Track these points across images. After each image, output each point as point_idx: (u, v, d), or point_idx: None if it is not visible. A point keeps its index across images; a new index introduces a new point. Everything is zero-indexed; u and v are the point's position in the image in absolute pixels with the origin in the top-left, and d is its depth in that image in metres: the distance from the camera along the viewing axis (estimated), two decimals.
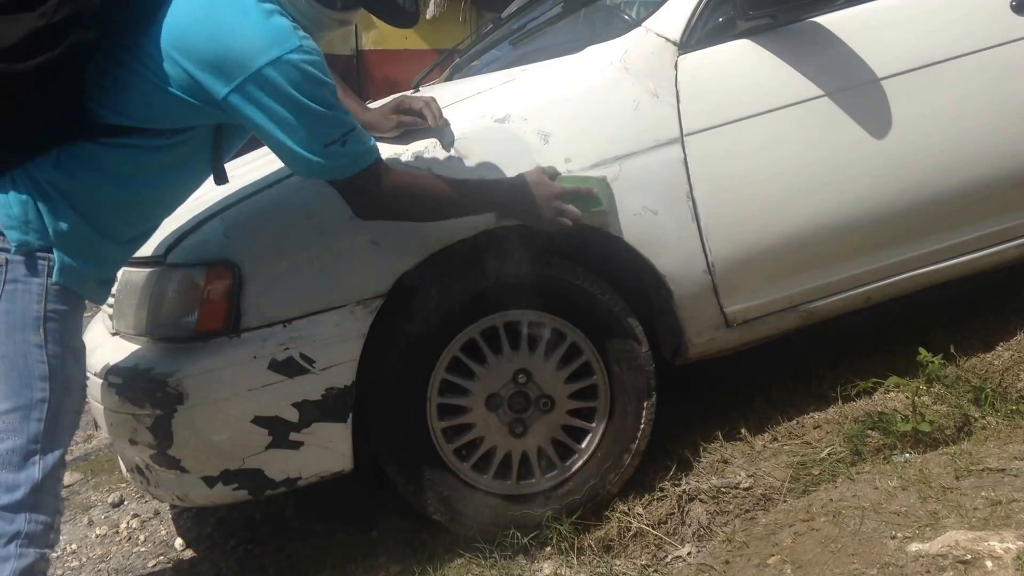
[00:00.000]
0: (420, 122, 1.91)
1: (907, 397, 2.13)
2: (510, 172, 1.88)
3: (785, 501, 1.95)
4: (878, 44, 2.07)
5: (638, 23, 2.05)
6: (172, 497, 1.93)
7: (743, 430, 2.22)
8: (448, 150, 1.88)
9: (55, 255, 1.52)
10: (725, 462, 2.11)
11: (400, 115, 1.93)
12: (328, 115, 1.54)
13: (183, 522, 2.50)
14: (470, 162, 1.88)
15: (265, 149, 2.41)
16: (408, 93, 2.60)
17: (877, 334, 2.52)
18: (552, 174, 1.84)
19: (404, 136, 1.92)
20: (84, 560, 2.41)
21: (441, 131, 1.89)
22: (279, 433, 1.82)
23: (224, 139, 1.67)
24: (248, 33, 1.48)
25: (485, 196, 1.81)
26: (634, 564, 1.87)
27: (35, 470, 1.51)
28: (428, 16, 8.63)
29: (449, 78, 2.97)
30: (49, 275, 1.52)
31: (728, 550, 1.81)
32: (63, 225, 1.52)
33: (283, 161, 1.62)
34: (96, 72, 1.50)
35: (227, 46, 1.47)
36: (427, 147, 1.89)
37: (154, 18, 1.50)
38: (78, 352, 1.61)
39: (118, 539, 2.49)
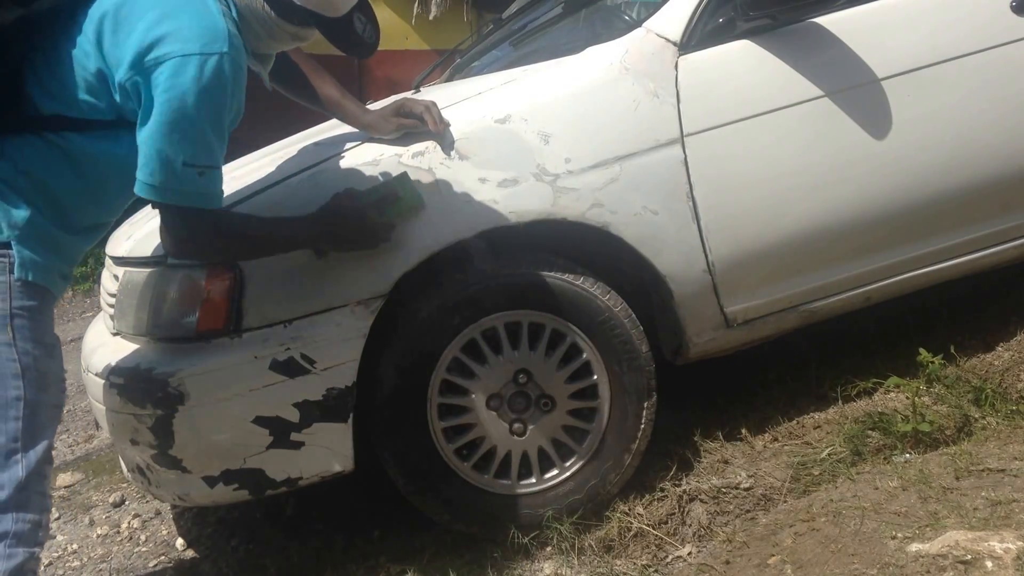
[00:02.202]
0: (420, 126, 1.90)
1: (907, 397, 2.13)
2: (510, 173, 1.88)
3: (785, 501, 1.95)
4: (878, 45, 2.07)
5: (638, 24, 2.05)
6: (173, 497, 1.93)
7: (743, 430, 2.22)
8: (448, 152, 1.88)
9: (14, 250, 1.50)
10: (725, 462, 2.12)
11: (401, 118, 1.92)
12: (207, 136, 1.49)
13: (184, 522, 2.50)
14: (469, 163, 1.88)
15: (265, 150, 2.42)
16: (409, 94, 2.60)
17: (877, 334, 2.52)
18: (350, 196, 1.79)
19: (404, 137, 1.92)
20: (85, 560, 2.41)
21: (441, 134, 1.89)
22: (280, 433, 1.82)
23: None
24: (181, 20, 1.45)
25: (290, 234, 1.75)
26: (634, 564, 1.87)
27: (18, 469, 1.51)
28: (430, 17, 8.63)
29: (450, 79, 2.97)
30: (11, 272, 1.50)
31: (728, 550, 1.81)
32: (18, 218, 1.50)
33: (139, 164, 1.51)
34: (37, 58, 1.49)
35: (156, 27, 1.44)
36: (427, 148, 1.89)
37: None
38: (51, 347, 1.59)
39: (119, 539, 2.49)
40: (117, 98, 1.50)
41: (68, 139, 1.53)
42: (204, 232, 1.60)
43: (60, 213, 1.57)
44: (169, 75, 1.44)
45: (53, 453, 1.63)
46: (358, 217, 1.76)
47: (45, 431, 1.57)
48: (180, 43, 1.44)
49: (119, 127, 1.54)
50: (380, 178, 1.86)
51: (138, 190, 1.53)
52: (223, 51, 1.46)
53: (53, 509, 2.72)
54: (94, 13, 1.49)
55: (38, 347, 1.54)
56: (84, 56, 1.49)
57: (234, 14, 1.55)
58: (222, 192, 1.58)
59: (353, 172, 1.87)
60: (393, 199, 1.80)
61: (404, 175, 1.83)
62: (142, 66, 1.44)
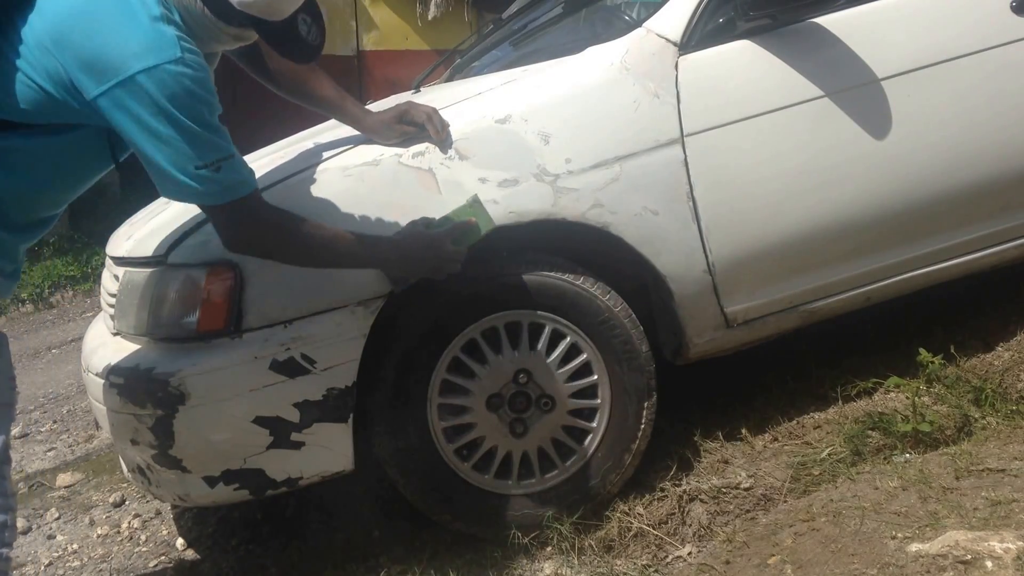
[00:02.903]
0: (422, 134, 1.90)
1: (907, 397, 2.13)
2: (510, 174, 1.88)
3: (785, 501, 1.95)
4: (878, 45, 2.07)
5: (639, 24, 2.05)
6: (173, 497, 1.93)
7: (743, 430, 2.22)
8: (448, 152, 1.88)
9: None
10: (725, 462, 2.12)
11: (403, 125, 1.91)
12: (201, 135, 1.47)
13: (184, 522, 2.51)
14: (469, 163, 1.88)
15: (265, 149, 2.42)
16: (409, 94, 2.61)
17: (877, 334, 2.52)
18: (427, 224, 1.79)
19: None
20: (85, 560, 2.41)
21: (443, 142, 1.89)
22: (280, 433, 1.82)
23: (119, 138, 1.55)
24: (127, 36, 1.42)
25: (362, 251, 1.74)
26: (635, 564, 1.87)
27: None
28: (429, 17, 8.64)
29: (450, 79, 2.97)
30: None
31: (728, 550, 1.81)
32: None
33: (152, 179, 1.53)
34: None
35: (103, 46, 1.41)
36: (427, 148, 1.89)
37: (33, 4, 1.45)
38: None
39: (119, 539, 2.49)
40: (81, 110, 1.46)
41: (3, 137, 1.49)
42: (249, 221, 1.59)
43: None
44: (133, 97, 1.42)
45: (12, 453, 1.59)
46: (434, 246, 1.75)
47: None
48: (132, 60, 1.41)
49: (59, 124, 1.51)
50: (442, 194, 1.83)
51: (171, 198, 1.56)
52: (175, 57, 1.43)
53: (53, 509, 2.72)
54: (39, 25, 1.44)
55: None
56: (35, 63, 1.45)
57: (176, 17, 1.50)
58: (251, 175, 1.58)
59: (354, 175, 1.87)
60: (469, 227, 1.79)
61: (476, 200, 1.81)
62: (101, 89, 1.42)
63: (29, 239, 1.66)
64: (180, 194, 1.53)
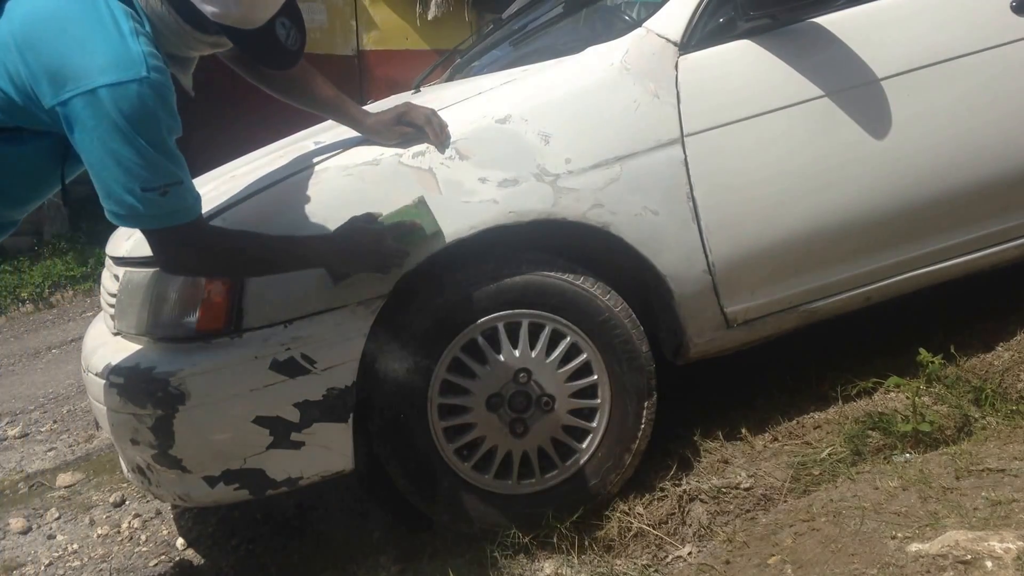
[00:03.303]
0: (422, 135, 1.89)
1: (907, 397, 2.13)
2: (510, 174, 1.88)
3: (785, 501, 1.95)
4: (878, 45, 2.07)
5: (639, 24, 2.05)
6: (173, 497, 1.93)
7: (743, 430, 2.22)
8: (448, 152, 1.88)
9: None
10: (725, 462, 2.12)
11: (402, 127, 1.91)
12: (154, 157, 1.44)
13: (185, 522, 2.51)
14: (469, 163, 1.88)
15: (265, 149, 2.42)
16: (409, 95, 2.61)
17: (877, 334, 2.52)
18: (369, 219, 1.78)
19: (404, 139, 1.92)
20: (86, 560, 2.41)
21: (442, 144, 1.89)
22: (280, 433, 1.82)
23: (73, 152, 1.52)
24: (94, 48, 1.39)
25: (304, 253, 1.74)
26: (635, 564, 1.87)
27: None
28: (429, 17, 8.64)
29: (450, 78, 2.97)
30: None
31: (728, 550, 1.82)
32: None
33: (98, 194, 1.48)
34: None
35: (69, 54, 1.39)
36: (427, 147, 1.89)
37: (2, 8, 1.43)
38: None
39: (120, 539, 2.49)
40: (43, 116, 1.44)
41: None
42: (188, 247, 1.57)
43: None
44: (92, 110, 1.39)
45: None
46: (375, 240, 1.74)
47: None
48: (96, 73, 1.38)
49: (23, 131, 1.49)
50: (395, 201, 1.82)
51: (111, 219, 1.52)
52: (140, 76, 1.40)
53: (53, 508, 2.72)
54: (5, 30, 1.42)
55: None
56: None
57: (147, 28, 1.47)
58: (196, 203, 1.55)
59: (354, 175, 1.87)
60: (413, 227, 1.79)
61: (422, 202, 1.81)
62: (61, 97, 1.39)
63: None
64: (121, 213, 1.48)
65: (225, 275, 1.75)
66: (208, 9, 1.46)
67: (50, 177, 1.61)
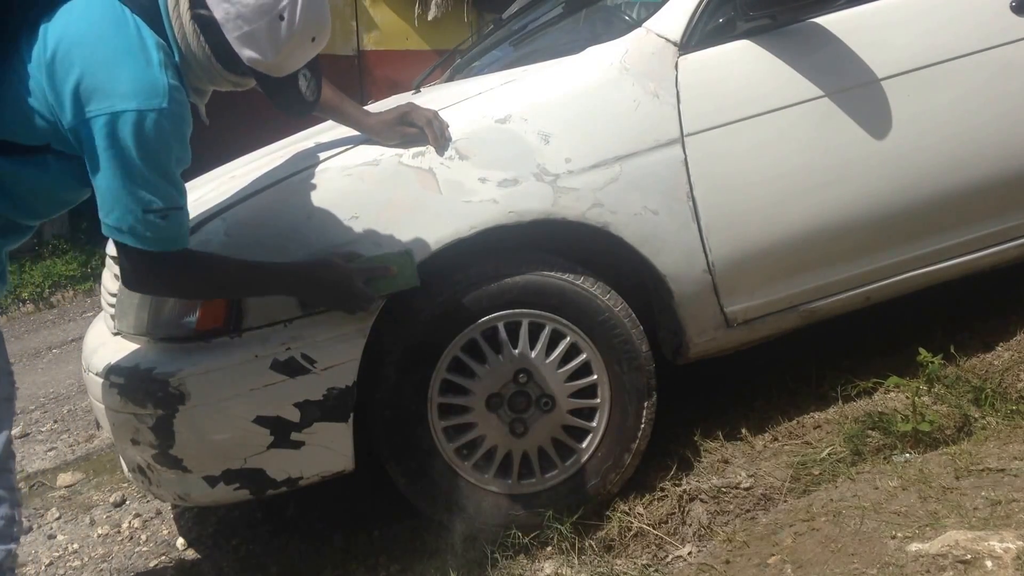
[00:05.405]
0: (422, 136, 1.90)
1: (907, 397, 2.13)
2: (510, 173, 1.88)
3: (785, 501, 1.95)
4: (878, 45, 2.08)
5: (638, 24, 2.05)
6: (174, 497, 1.93)
7: (743, 430, 2.22)
8: (448, 152, 1.88)
9: None
10: (725, 462, 2.12)
11: (404, 127, 1.91)
12: (160, 184, 1.49)
13: (185, 521, 2.51)
14: (470, 163, 1.88)
15: (265, 149, 2.42)
16: (409, 95, 2.61)
17: (877, 334, 2.52)
18: (348, 257, 1.79)
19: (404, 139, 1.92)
20: (86, 560, 2.41)
21: (442, 147, 1.89)
22: (280, 433, 1.82)
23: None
24: (121, 73, 1.44)
25: (273, 282, 1.76)
26: (635, 564, 1.87)
27: None
28: (429, 18, 8.64)
29: (450, 79, 2.97)
30: None
31: (728, 550, 1.82)
32: None
33: (99, 211, 1.53)
34: None
35: (96, 75, 1.43)
36: (427, 148, 1.89)
37: (39, 23, 1.48)
38: None
39: (120, 539, 2.49)
40: (65, 135, 1.48)
41: None
42: (168, 272, 1.60)
43: None
44: (109, 131, 1.44)
45: (14, 448, 1.62)
46: (344, 279, 1.75)
47: (0, 425, 1.56)
48: (119, 98, 1.43)
49: (46, 152, 1.53)
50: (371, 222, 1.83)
51: (107, 233, 1.54)
52: (162, 107, 1.45)
53: (54, 508, 2.72)
54: (40, 49, 1.46)
55: None
56: (33, 87, 1.47)
57: (176, 59, 1.53)
58: (187, 232, 1.59)
59: (354, 175, 1.87)
60: (385, 274, 1.78)
61: (408, 255, 1.80)
62: (82, 116, 1.44)
63: (7, 244, 1.67)
64: (122, 228, 1.51)
65: (192, 298, 1.78)
66: (247, 54, 1.51)
67: (73, 197, 1.67)
